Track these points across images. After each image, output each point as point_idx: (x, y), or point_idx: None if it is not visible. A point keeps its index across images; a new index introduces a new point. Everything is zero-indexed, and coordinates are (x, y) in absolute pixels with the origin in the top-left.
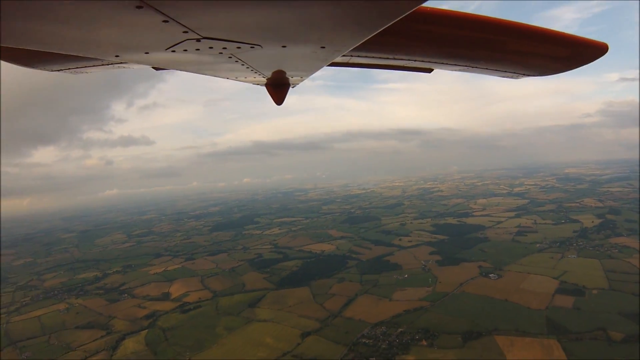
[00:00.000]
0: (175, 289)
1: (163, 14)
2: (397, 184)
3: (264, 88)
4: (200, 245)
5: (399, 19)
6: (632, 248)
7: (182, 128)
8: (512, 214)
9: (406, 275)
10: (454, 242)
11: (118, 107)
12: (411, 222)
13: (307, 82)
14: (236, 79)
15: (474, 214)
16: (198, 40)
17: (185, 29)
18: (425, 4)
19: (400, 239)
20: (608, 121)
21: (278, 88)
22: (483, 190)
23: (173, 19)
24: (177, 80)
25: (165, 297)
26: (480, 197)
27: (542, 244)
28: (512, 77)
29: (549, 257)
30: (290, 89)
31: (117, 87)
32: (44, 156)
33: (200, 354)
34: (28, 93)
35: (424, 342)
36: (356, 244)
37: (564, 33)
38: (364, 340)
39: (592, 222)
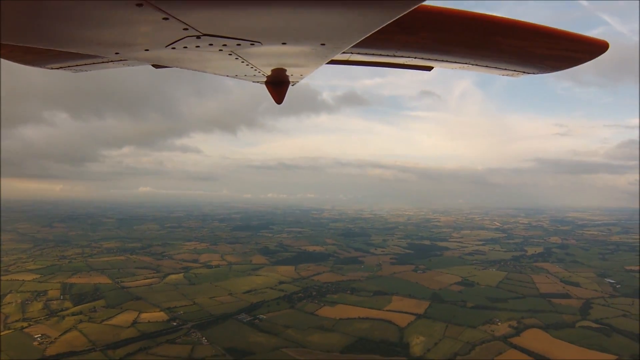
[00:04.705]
0: (203, 258)
1: (163, 11)
2: (407, 212)
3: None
4: (222, 238)
5: (399, 16)
6: (545, 270)
7: (225, 139)
8: (481, 243)
9: (362, 266)
10: (414, 255)
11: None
12: (393, 240)
13: (341, 107)
14: (236, 76)
15: (450, 240)
16: (198, 37)
17: (185, 26)
18: (425, 2)
19: (375, 249)
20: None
21: (278, 86)
22: (476, 224)
23: (173, 16)
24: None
25: (195, 261)
26: (467, 229)
27: (479, 261)
28: (512, 75)
29: (473, 268)
30: (290, 86)
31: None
32: (124, 152)
33: (217, 282)
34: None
35: (348, 292)
36: (341, 248)
37: (563, 30)
38: (314, 287)
39: (535, 251)
